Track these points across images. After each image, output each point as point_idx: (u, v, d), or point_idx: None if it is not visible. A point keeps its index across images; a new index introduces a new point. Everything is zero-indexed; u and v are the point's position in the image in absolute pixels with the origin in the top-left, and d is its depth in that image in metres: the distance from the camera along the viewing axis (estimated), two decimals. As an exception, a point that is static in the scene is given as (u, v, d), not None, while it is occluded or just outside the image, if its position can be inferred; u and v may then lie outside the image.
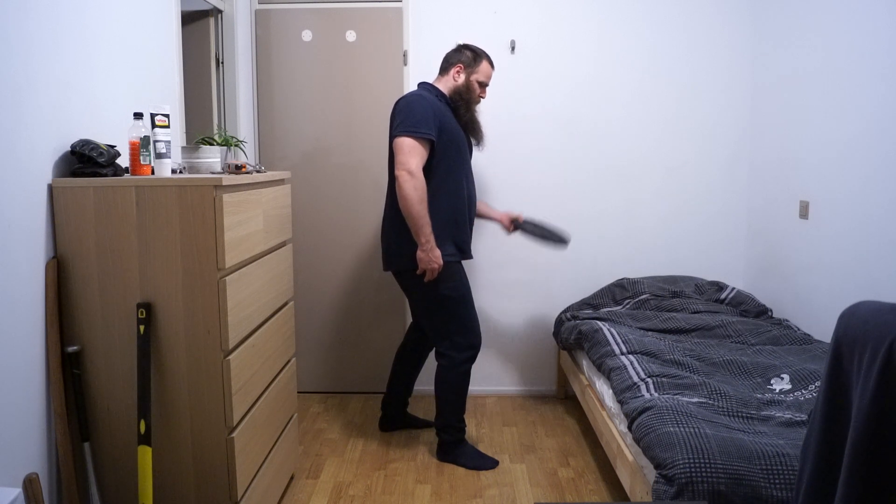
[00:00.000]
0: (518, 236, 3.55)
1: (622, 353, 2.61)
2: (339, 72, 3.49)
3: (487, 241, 3.57)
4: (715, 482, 1.75)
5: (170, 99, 2.51)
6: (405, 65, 3.47)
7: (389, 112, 3.02)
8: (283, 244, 2.50)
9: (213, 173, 2.12)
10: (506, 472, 2.79)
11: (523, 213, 3.48)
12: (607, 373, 2.55)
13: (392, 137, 2.65)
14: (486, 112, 3.36)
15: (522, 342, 3.65)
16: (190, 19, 3.05)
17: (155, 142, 1.96)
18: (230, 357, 1.89)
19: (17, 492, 1.40)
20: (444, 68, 2.81)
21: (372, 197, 3.56)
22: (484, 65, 2.79)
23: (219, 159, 2.16)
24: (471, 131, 2.84)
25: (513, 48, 3.46)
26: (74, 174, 1.84)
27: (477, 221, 3.36)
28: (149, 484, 1.81)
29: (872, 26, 2.51)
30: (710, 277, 3.59)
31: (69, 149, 1.86)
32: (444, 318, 2.76)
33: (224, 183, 1.83)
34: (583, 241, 3.58)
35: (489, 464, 2.82)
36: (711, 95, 3.49)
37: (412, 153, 2.59)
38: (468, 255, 2.81)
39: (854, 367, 1.15)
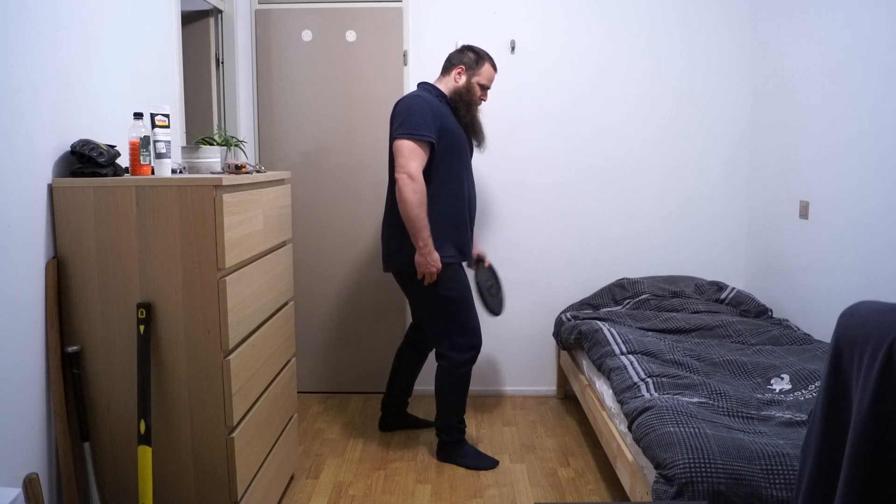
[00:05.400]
0: (518, 237, 3.55)
1: (622, 353, 2.61)
2: (339, 72, 3.49)
3: (488, 241, 3.57)
4: (715, 482, 1.75)
5: (170, 99, 2.50)
6: (405, 65, 3.47)
7: (389, 112, 3.02)
8: (283, 244, 2.50)
9: (213, 173, 2.12)
10: (506, 472, 2.79)
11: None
12: (607, 373, 2.55)
13: (392, 139, 2.65)
14: (487, 112, 3.35)
15: (522, 342, 3.65)
16: (190, 19, 3.05)
17: (155, 142, 1.96)
18: (230, 357, 1.89)
19: (17, 492, 1.40)
20: (446, 69, 2.80)
21: (372, 197, 3.56)
22: (486, 67, 2.78)
23: (219, 159, 2.16)
24: (472, 132, 2.83)
25: (513, 48, 3.46)
26: (74, 174, 1.84)
27: (477, 224, 3.36)
28: (149, 484, 1.81)
29: (872, 26, 2.51)
30: (710, 277, 3.59)
31: (69, 149, 1.86)
32: (444, 319, 2.75)
33: (224, 183, 1.83)
34: (583, 241, 3.58)
35: (489, 464, 2.81)
36: (711, 95, 3.49)
37: (412, 156, 2.58)
38: (468, 257, 2.81)
39: (854, 367, 1.15)
